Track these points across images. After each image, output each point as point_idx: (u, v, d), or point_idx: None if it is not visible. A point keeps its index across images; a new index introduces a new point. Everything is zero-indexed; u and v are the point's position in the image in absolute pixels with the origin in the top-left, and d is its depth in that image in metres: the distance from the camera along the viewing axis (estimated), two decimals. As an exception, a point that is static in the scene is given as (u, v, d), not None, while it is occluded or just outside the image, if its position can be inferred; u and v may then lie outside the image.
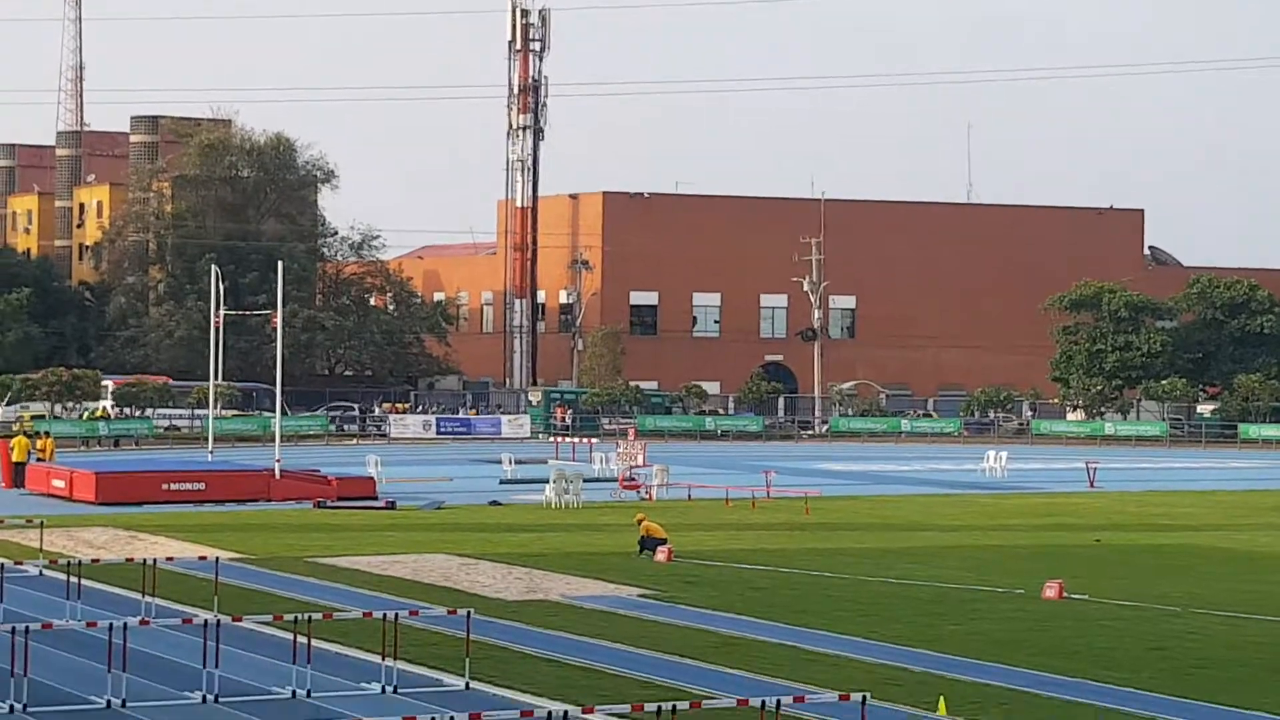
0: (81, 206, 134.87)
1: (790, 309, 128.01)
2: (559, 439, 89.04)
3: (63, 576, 33.13)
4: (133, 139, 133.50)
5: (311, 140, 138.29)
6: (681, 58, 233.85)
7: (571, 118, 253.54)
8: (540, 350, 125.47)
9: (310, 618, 25.79)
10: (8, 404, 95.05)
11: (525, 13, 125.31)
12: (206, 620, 25.89)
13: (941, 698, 24.16)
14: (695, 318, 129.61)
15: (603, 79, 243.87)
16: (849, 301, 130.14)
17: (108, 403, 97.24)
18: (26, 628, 24.52)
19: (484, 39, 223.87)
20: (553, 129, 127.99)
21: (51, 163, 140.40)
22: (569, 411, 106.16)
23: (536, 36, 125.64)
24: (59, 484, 59.63)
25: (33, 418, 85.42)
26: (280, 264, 69.46)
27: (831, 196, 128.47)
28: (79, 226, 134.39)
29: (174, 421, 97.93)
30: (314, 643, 25.70)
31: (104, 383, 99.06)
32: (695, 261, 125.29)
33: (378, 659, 25.88)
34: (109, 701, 24.01)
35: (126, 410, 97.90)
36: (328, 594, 35.13)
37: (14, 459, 63.06)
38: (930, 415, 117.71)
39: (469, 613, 26.15)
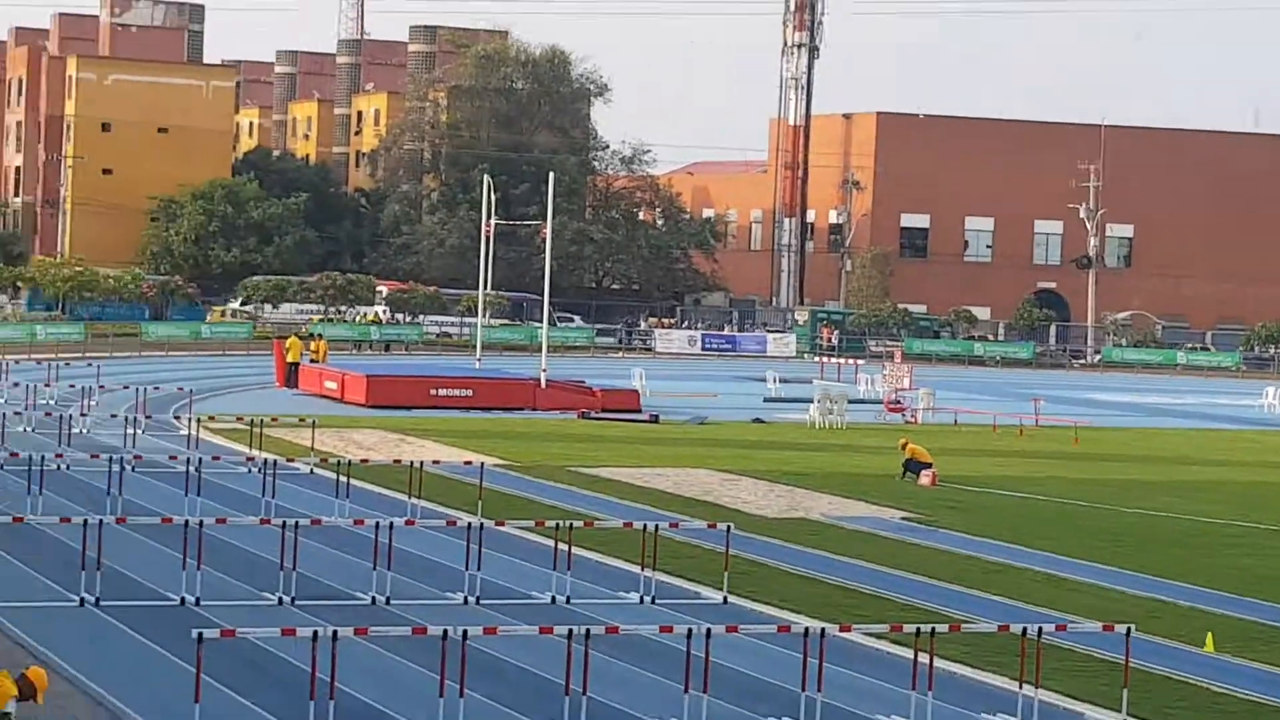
0: (359, 114, 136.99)
1: (1065, 236, 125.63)
2: (824, 359, 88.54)
3: (332, 475, 33.68)
4: (411, 48, 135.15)
5: (586, 54, 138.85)
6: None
7: (847, 35, 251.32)
8: (808, 270, 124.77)
9: (571, 525, 25.89)
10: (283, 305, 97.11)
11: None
12: (470, 523, 26.11)
13: (1210, 634, 23.51)
14: (967, 242, 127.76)
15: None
16: (1126, 230, 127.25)
17: (380, 308, 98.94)
18: (296, 523, 24.94)
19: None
20: (828, 47, 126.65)
21: (332, 70, 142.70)
22: (835, 332, 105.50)
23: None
24: (331, 386, 60.78)
25: (317, 321, 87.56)
26: (551, 176, 69.78)
27: (1112, 123, 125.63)
28: (356, 134, 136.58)
29: (443, 328, 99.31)
30: (574, 550, 25.79)
31: (378, 288, 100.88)
32: (969, 185, 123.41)
33: (637, 569, 25.90)
34: (374, 598, 24.35)
35: (398, 316, 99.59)
36: (589, 503, 35.29)
37: (288, 359, 64.43)
38: (1207, 349, 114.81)
39: (729, 527, 26.00)
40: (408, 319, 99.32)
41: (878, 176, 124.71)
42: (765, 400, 66.04)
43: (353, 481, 33.03)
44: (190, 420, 45.28)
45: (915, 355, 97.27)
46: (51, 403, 49.45)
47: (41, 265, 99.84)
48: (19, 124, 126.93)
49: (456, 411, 56.44)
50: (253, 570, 26.27)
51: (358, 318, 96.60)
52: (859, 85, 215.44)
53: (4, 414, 43.57)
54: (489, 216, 73.35)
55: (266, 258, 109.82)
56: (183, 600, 23.88)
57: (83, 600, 23.61)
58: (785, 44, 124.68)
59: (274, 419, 45.06)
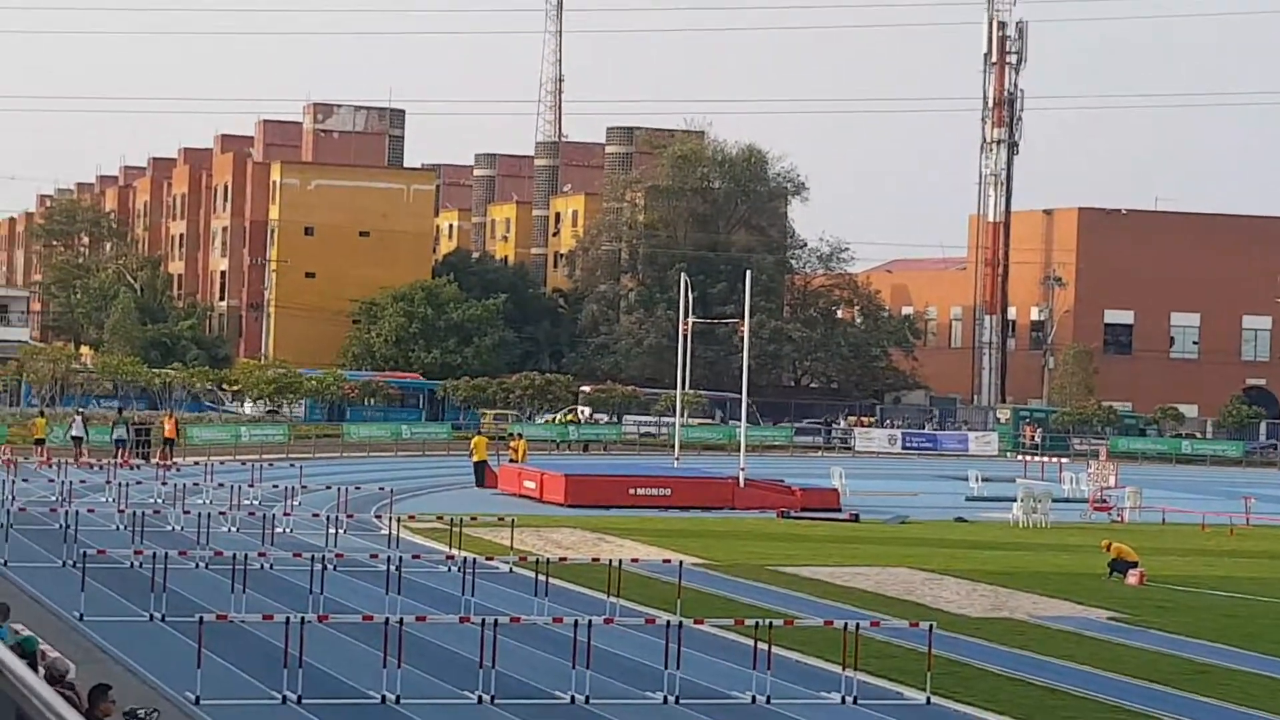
0: (557, 215, 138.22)
1: (1275, 331, 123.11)
2: (1027, 458, 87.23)
3: (531, 574, 33.63)
4: (608, 149, 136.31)
5: (782, 152, 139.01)
6: (1163, 70, 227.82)
7: (1046, 131, 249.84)
8: (1009, 367, 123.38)
9: (770, 624, 25.54)
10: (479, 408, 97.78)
11: (1002, 25, 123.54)
12: (669, 622, 25.86)
13: None
14: (1173, 338, 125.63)
15: (1080, 92, 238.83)
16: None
17: (580, 408, 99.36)
18: (495, 621, 24.86)
19: (957, 52, 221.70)
20: (1027, 143, 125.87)
21: (530, 172, 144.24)
22: (1038, 430, 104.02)
23: (1013, 49, 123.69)
24: (530, 485, 60.91)
25: (504, 418, 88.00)
26: (748, 274, 69.64)
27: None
28: (554, 235, 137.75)
29: (642, 428, 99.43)
30: (774, 649, 25.42)
31: (584, 389, 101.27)
32: (1173, 280, 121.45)
33: (838, 669, 25.46)
34: (573, 697, 24.17)
35: (597, 415, 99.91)
36: (788, 602, 34.88)
37: (474, 458, 64.78)
38: None
39: (930, 625, 25.52)
40: (606, 418, 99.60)
41: (1080, 272, 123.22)
42: (967, 499, 65.15)
43: (552, 580, 32.95)
44: (391, 519, 45.56)
45: (1120, 453, 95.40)
46: (255, 503, 50.06)
47: (246, 368, 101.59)
48: (225, 229, 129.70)
49: (655, 511, 56.29)
50: (452, 668, 26.22)
51: (557, 418, 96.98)
52: (1059, 181, 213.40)
53: (209, 514, 44.15)
54: (686, 315, 73.41)
55: (466, 359, 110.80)
56: (383, 698, 23.88)
57: (285, 698, 23.69)
58: (984, 140, 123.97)
59: (473, 518, 45.21)
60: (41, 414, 76.12)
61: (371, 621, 25.97)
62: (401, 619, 25.29)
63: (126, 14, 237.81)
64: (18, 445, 70.23)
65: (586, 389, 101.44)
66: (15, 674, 5.27)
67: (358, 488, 53.80)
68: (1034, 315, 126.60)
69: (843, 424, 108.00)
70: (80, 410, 78.46)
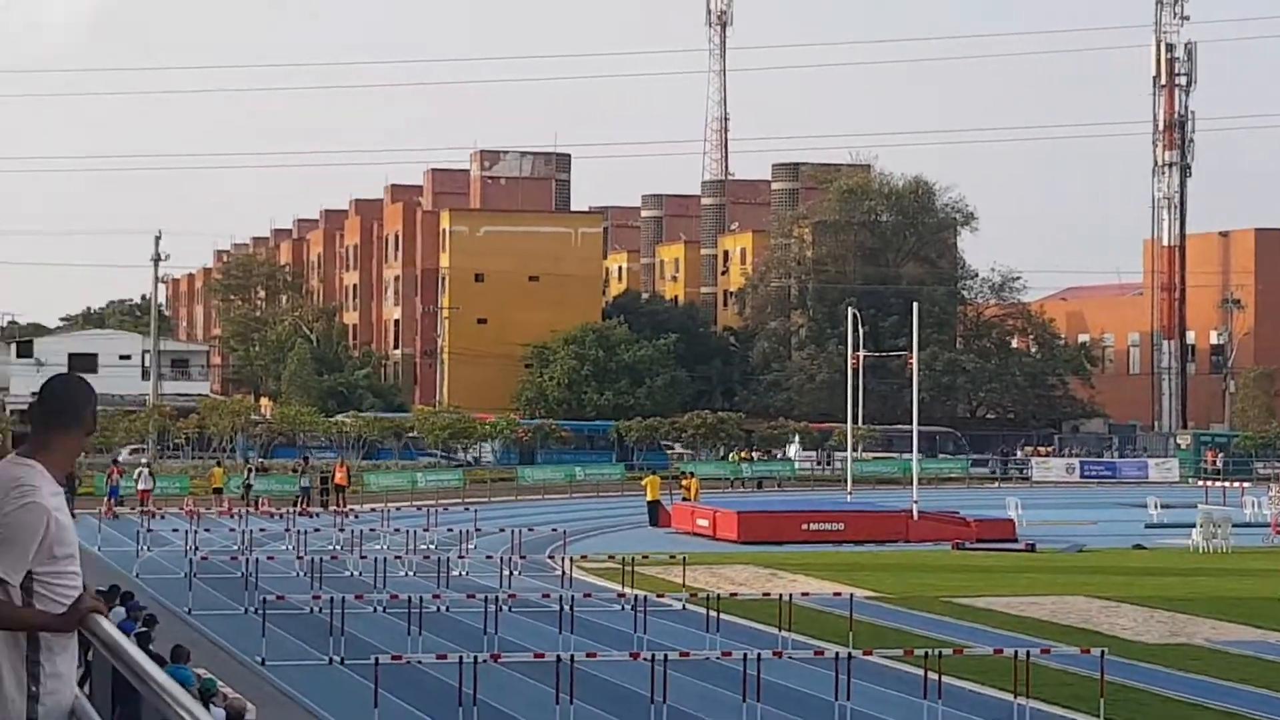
0: (726, 254, 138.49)
1: None
2: (1208, 483, 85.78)
3: (703, 610, 33.70)
4: (774, 186, 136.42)
5: (950, 183, 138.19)
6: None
7: (1218, 153, 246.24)
8: (1189, 392, 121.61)
9: (940, 653, 25.39)
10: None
11: (1170, 47, 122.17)
12: (838, 654, 25.82)
13: None
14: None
15: (1251, 113, 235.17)
16: None
17: (791, 445, 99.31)
18: (665, 656, 24.95)
19: (1126, 76, 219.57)
20: (1199, 165, 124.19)
21: (697, 211, 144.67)
22: (1219, 455, 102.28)
23: (1182, 71, 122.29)
24: (703, 523, 60.99)
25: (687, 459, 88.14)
26: (916, 306, 69.35)
27: None
28: (723, 273, 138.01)
29: (815, 464, 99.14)
30: (945, 679, 25.26)
31: (789, 430, 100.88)
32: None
33: (1009, 697, 25.25)
34: (741, 730, 24.20)
35: (769, 452, 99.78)
36: (960, 632, 34.61)
37: (648, 497, 65.06)
38: None
39: (1102, 652, 25.24)
40: (779, 455, 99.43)
41: (1258, 294, 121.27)
42: (1146, 526, 64.19)
43: (723, 615, 33.01)
44: (564, 560, 45.87)
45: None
46: (431, 547, 50.56)
47: (421, 414, 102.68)
48: (397, 278, 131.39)
49: (828, 545, 56.10)
50: (624, 704, 26.35)
51: (727, 456, 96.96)
52: (1233, 202, 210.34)
53: (386, 559, 44.71)
54: (856, 349, 73.20)
55: (639, 399, 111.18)
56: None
57: (458, 736, 23.94)
58: (1156, 163, 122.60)
59: (645, 557, 45.36)
60: (219, 464, 77.50)
61: (543, 660, 26.17)
62: (573, 656, 25.47)
63: (294, 70, 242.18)
64: (199, 496, 71.54)
65: (796, 427, 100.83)
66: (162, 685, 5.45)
67: (531, 530, 54.12)
68: (1213, 339, 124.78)
69: (1020, 454, 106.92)
70: (249, 461, 79.88)
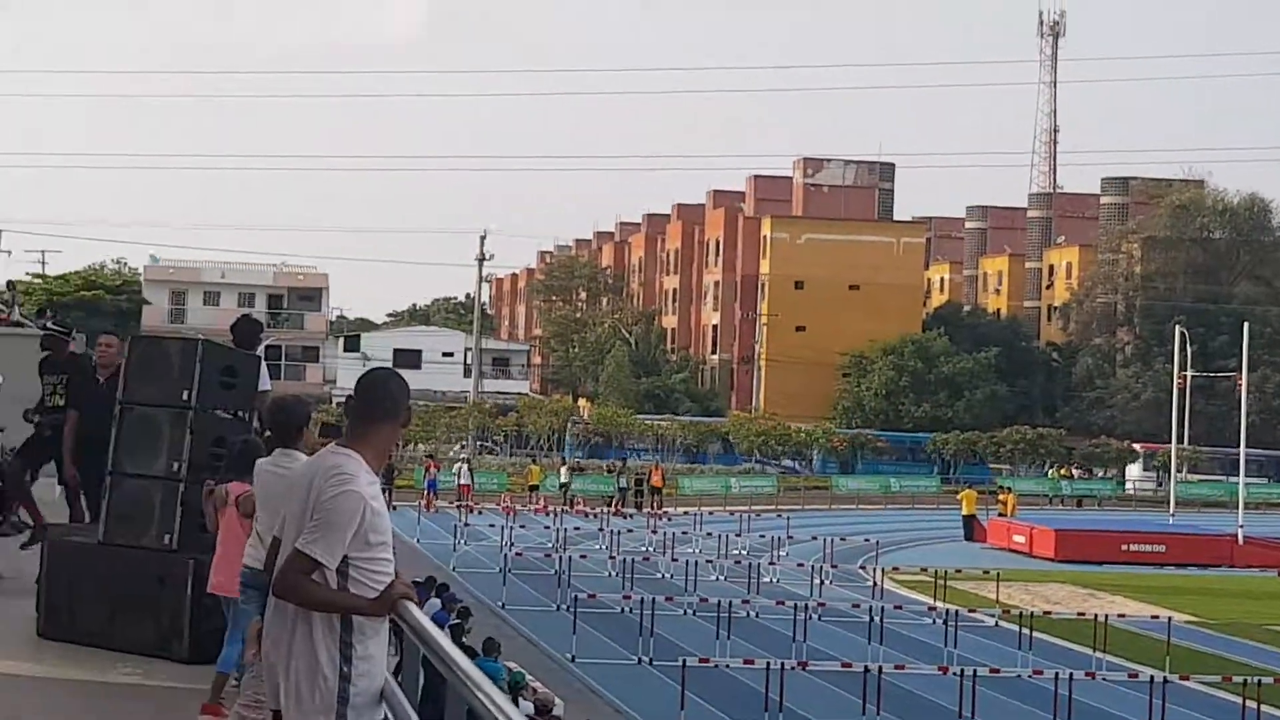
0: (1051, 268, 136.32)
1: None
2: None
3: (1015, 627, 33.20)
4: (1103, 200, 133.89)
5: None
6: None
7: None
8: None
9: (1260, 681, 24.64)
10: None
11: None
12: (1153, 677, 25.21)
13: None
14: None
15: None
16: None
17: (1075, 467, 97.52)
18: (974, 672, 24.62)
19: None
20: None
21: (1022, 224, 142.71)
22: None
23: None
24: (1019, 539, 60.13)
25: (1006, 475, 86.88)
26: (1246, 326, 67.45)
27: None
28: (1048, 288, 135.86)
29: (1137, 484, 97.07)
30: (1264, 708, 24.51)
31: (1136, 449, 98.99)
32: None
33: (1336, 730, 24.43)
34: (1046, 751, 23.77)
35: (1092, 470, 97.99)
36: (1284, 662, 33.53)
37: (964, 511, 64.28)
38: None
39: None
40: (1100, 473, 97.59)
41: None
42: None
43: (1036, 634, 32.48)
44: (875, 571, 45.59)
45: None
46: (742, 552, 50.64)
47: (736, 420, 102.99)
48: (716, 284, 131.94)
49: (1148, 567, 54.87)
50: (930, 718, 26.05)
51: (1049, 472, 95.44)
52: None
53: (697, 562, 44.90)
54: (1182, 369, 71.46)
55: (957, 412, 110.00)
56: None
57: (762, 741, 23.91)
58: None
59: (958, 571, 44.86)
60: (535, 461, 78.69)
61: (851, 669, 26.02)
62: (880, 667, 25.27)
63: (620, 75, 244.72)
64: (515, 493, 72.72)
65: (1137, 448, 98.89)
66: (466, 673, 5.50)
67: (844, 539, 53.94)
68: None
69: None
70: (567, 460, 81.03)
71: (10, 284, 34.58)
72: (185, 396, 13.96)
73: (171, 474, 13.78)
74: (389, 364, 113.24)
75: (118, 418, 14.20)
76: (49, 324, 19.93)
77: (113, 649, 13.52)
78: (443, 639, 6.29)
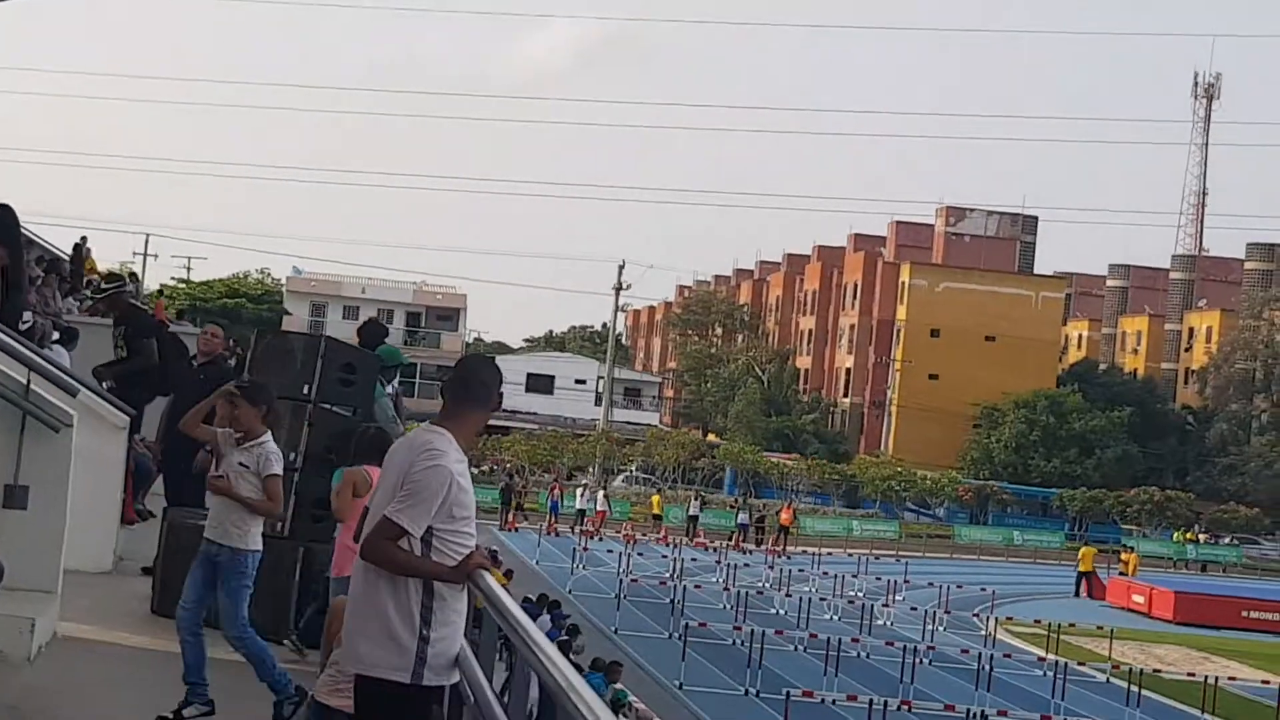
0: (1190, 330, 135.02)
1: None
2: None
3: (1124, 684, 33.06)
4: (1247, 265, 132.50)
5: None
6: None
7: None
8: None
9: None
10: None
11: None
12: (1257, 740, 25.10)
13: None
14: None
15: None
16: None
17: (1198, 527, 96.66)
18: (1076, 723, 24.60)
19: None
20: None
21: (1164, 285, 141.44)
22: None
23: None
24: (1138, 599, 59.68)
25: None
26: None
27: None
28: (1186, 350, 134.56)
29: (1265, 551, 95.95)
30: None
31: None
32: None
33: None
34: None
35: (1218, 537, 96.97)
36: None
37: (1080, 568, 64.00)
38: None
39: None
40: (1228, 540, 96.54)
41: None
42: None
43: (1145, 692, 32.31)
44: (989, 620, 45.48)
45: None
46: (858, 594, 50.67)
47: (862, 463, 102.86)
48: (852, 327, 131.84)
49: (1270, 635, 54.20)
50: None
51: (1174, 535, 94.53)
52: None
53: (812, 600, 45.00)
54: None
55: (1086, 470, 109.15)
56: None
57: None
58: None
59: (1072, 625, 44.66)
60: (659, 491, 79.02)
61: (953, 712, 26.08)
62: (983, 712, 25.32)
63: (769, 114, 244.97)
64: (637, 522, 73.05)
65: (1249, 514, 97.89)
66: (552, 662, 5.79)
67: (960, 587, 53.80)
68: None
69: None
70: (697, 493, 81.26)
71: (132, 274, 35.37)
72: (306, 390, 14.47)
73: (289, 464, 14.23)
74: (522, 387, 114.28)
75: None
76: (102, 284, 20.67)
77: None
78: (519, 613, 6.62)
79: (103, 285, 19.90)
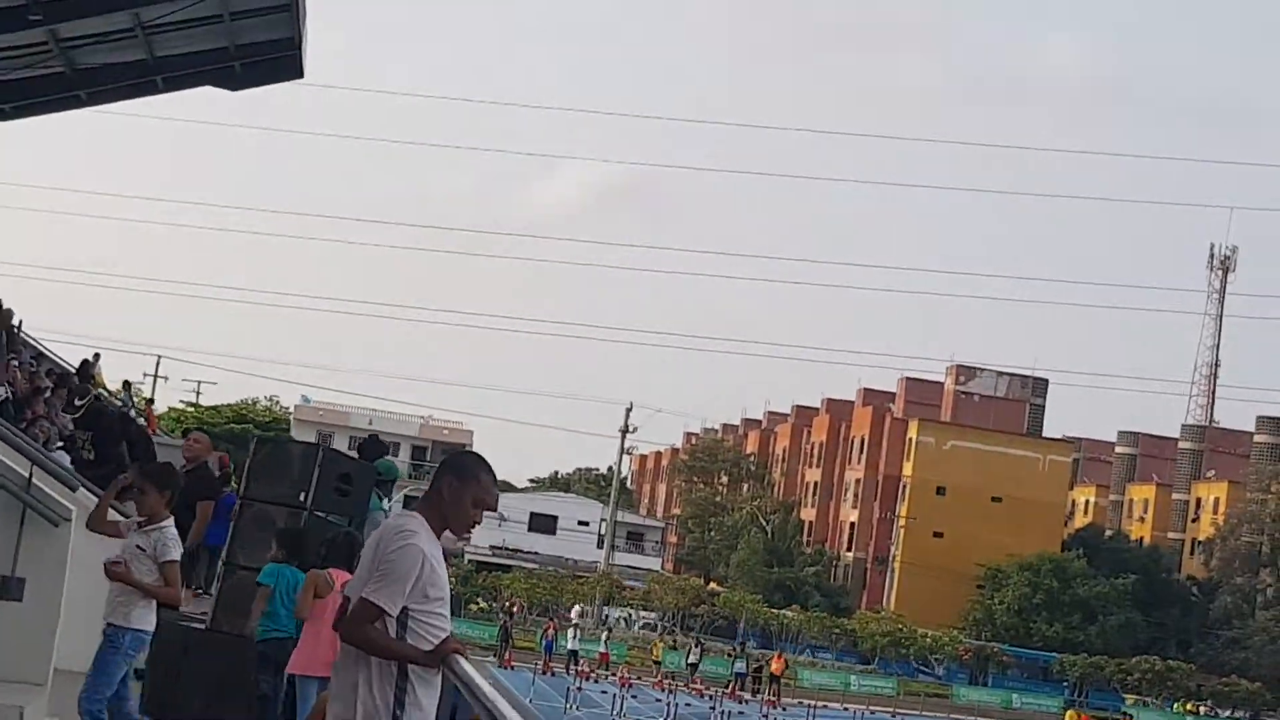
0: (1198, 501, 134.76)
1: None
2: None
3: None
4: (1256, 439, 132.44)
5: None
6: None
7: None
8: None
9: None
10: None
11: None
12: None
13: None
14: None
15: None
16: None
17: (1202, 705, 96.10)
18: None
19: None
20: None
21: (1173, 454, 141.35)
22: None
23: None
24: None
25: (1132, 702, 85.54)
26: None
27: None
28: (1193, 520, 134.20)
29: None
30: None
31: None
32: None
33: None
34: None
35: (1217, 710, 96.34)
36: None
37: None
38: None
39: None
40: (1229, 713, 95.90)
41: None
42: None
43: None
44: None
45: None
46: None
47: (862, 618, 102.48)
48: (857, 481, 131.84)
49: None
50: None
51: (1175, 706, 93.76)
52: None
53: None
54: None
55: (1089, 636, 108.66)
56: None
57: None
58: None
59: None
60: (659, 636, 78.81)
61: None
62: None
63: (779, 264, 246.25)
64: (633, 665, 72.73)
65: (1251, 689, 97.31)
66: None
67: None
68: None
69: None
70: (697, 639, 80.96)
71: (126, 383, 35.81)
72: (302, 497, 14.63)
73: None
74: (524, 525, 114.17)
75: (237, 513, 14.87)
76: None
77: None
78: (488, 688, 6.75)
79: (76, 402, 20.17)
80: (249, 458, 15.27)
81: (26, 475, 11.85)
